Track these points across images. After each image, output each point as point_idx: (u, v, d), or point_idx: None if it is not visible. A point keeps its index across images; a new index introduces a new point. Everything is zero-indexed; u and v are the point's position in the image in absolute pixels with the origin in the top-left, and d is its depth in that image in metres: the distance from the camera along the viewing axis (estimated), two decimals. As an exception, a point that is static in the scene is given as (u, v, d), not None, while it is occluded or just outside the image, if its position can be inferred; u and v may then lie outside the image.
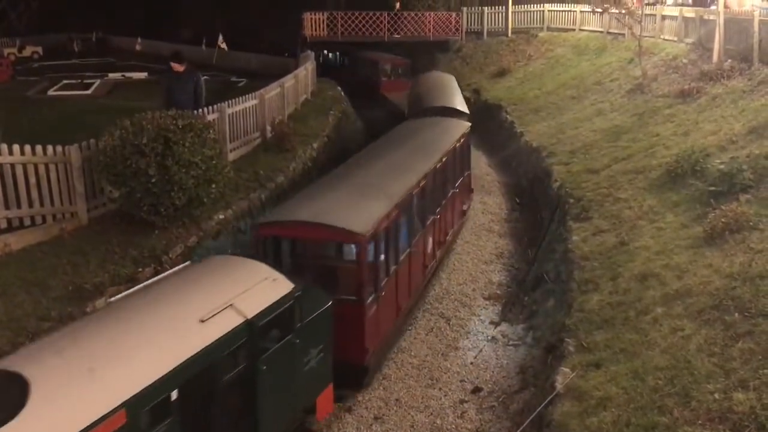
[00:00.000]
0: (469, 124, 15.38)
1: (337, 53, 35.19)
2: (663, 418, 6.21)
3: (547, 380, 7.96)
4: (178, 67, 12.26)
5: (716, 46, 16.99)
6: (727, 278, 8.01)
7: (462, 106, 17.46)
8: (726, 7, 17.69)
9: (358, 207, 9.03)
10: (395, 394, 9.05)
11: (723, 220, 9.13)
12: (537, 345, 9.70)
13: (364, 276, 8.39)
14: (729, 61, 16.42)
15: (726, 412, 6.02)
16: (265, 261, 7.29)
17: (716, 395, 6.25)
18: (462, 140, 14.27)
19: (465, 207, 15.01)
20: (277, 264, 7.87)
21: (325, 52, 35.31)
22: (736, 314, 7.28)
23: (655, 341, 7.46)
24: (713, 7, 19.95)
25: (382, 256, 9.15)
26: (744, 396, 6.09)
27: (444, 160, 12.45)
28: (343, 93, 23.62)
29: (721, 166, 10.75)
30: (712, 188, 10.41)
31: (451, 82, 20.89)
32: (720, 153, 11.74)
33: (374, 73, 29.03)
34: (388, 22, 30.23)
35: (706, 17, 19.06)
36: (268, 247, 8.64)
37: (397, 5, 31.40)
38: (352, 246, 8.66)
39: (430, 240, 11.70)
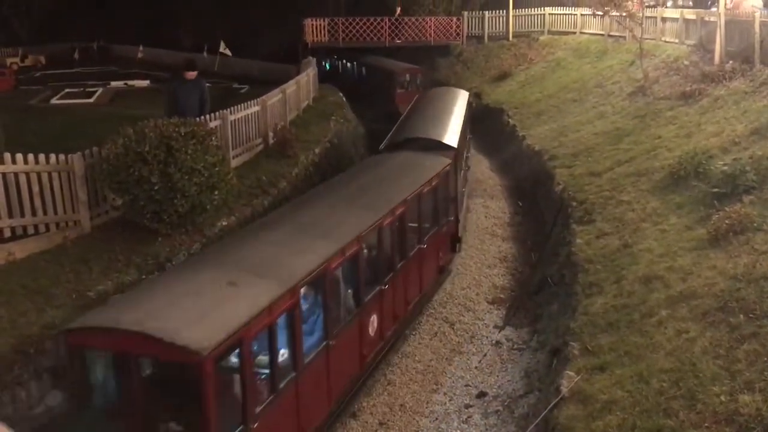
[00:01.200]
0: (449, 161, 12.26)
1: (344, 60, 34.11)
2: (669, 421, 6.19)
3: (552, 384, 7.94)
4: (192, 75, 12.42)
5: (717, 48, 16.98)
6: (731, 280, 7.99)
7: (452, 137, 13.49)
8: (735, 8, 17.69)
9: (221, 302, 6.33)
10: (400, 399, 9.03)
11: (727, 221, 9.11)
12: (542, 349, 9.68)
13: (210, 410, 5.74)
14: (730, 62, 16.40)
15: (732, 414, 6.00)
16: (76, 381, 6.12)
17: (722, 397, 6.22)
18: (437, 182, 11.43)
19: (442, 263, 12.29)
20: (89, 389, 6.32)
21: (335, 58, 34.67)
22: (741, 316, 7.26)
23: (660, 344, 7.44)
24: (714, 9, 19.94)
25: (260, 370, 6.68)
26: (750, 398, 6.07)
27: (399, 212, 9.79)
28: (344, 98, 23.59)
29: (724, 168, 10.73)
30: (715, 190, 10.39)
31: (456, 102, 17.21)
32: (722, 154, 11.72)
33: (388, 83, 27.52)
34: (389, 28, 30.29)
35: (707, 19, 19.05)
36: (82, 361, 6.32)
37: (398, 11, 31.45)
38: (191, 367, 5.76)
39: (375, 319, 9.10)
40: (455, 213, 13.05)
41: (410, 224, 10.34)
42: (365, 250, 8.83)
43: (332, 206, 9.19)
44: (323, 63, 33.46)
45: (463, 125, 15.03)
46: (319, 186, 11.10)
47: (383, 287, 9.30)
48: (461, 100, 17.63)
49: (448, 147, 12.95)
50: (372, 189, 10.21)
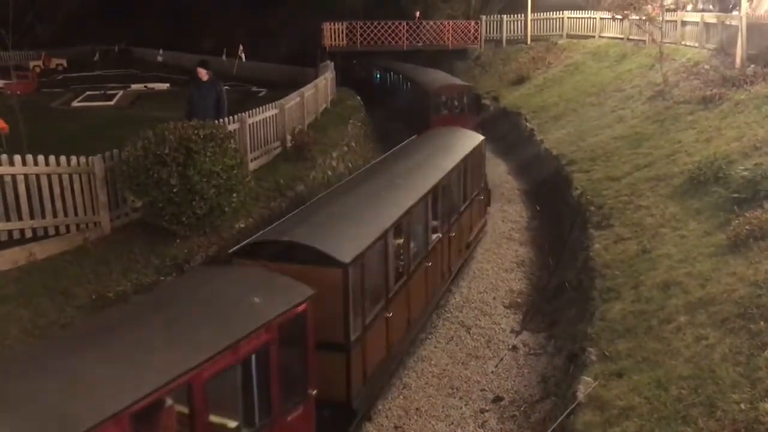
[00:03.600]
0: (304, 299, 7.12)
1: (372, 68, 30.91)
2: (687, 429, 6.13)
3: (568, 389, 7.89)
4: (203, 74, 12.48)
5: (739, 52, 16.81)
6: (751, 286, 7.89)
7: (356, 246, 7.99)
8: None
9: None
10: (415, 403, 9.03)
11: (747, 227, 9.01)
12: (558, 354, 9.63)
13: None
14: (752, 66, 16.23)
15: (752, 422, 5.92)
16: None
17: (742, 405, 6.15)
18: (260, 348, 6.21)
19: None
20: None
21: (354, 63, 32.13)
22: (762, 323, 7.17)
23: (678, 350, 7.37)
24: (735, 13, 19.75)
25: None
26: (770, 406, 5.99)
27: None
28: (361, 102, 23.62)
29: (745, 173, 10.61)
30: (736, 195, 10.28)
31: (451, 157, 12.41)
32: (743, 159, 11.59)
33: (422, 104, 21.92)
34: (407, 31, 30.31)
35: (727, 22, 18.88)
36: None
37: (418, 14, 31.46)
38: None
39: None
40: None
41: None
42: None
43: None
44: (375, 74, 30.49)
45: (431, 216, 10.96)
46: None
47: None
48: (460, 152, 12.90)
49: (338, 262, 7.56)
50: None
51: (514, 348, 10.42)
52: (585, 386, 7.33)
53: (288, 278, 6.88)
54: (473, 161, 13.63)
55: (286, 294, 6.60)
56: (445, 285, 11.88)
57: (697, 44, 20.49)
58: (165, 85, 32.01)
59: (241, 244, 8.07)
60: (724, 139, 13.13)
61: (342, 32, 30.27)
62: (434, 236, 11.07)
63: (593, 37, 28.05)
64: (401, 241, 9.59)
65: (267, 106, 14.52)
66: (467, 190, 13.20)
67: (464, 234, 13.01)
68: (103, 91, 29.15)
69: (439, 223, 11.47)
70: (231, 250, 7.96)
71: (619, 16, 22.26)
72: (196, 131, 9.84)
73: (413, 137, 14.71)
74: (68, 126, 20.01)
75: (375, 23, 30.16)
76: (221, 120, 12.11)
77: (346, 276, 7.50)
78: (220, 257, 9.66)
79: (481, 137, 14.58)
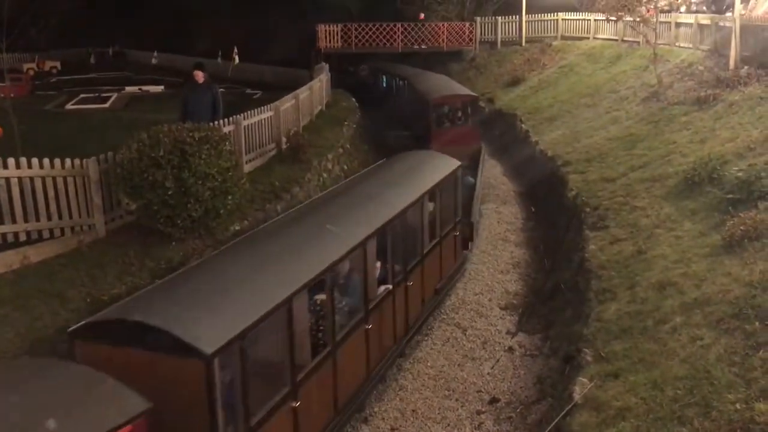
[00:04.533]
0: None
1: (371, 71, 29.30)
2: (683, 429, 6.14)
3: (564, 391, 7.90)
4: (200, 77, 12.49)
5: (732, 53, 16.87)
6: (746, 286, 7.92)
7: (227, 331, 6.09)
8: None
9: None
10: (411, 405, 9.02)
11: (741, 227, 9.04)
12: (554, 355, 9.63)
13: None
14: (746, 67, 16.29)
15: (748, 422, 5.94)
16: None
17: (737, 405, 6.16)
18: None
19: None
20: None
21: (351, 70, 31.25)
22: (757, 323, 7.19)
23: (673, 351, 7.39)
24: (729, 14, 19.82)
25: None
26: (766, 406, 6.00)
27: None
28: (357, 103, 23.61)
29: (739, 174, 10.65)
30: (730, 196, 10.32)
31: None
32: (737, 160, 11.64)
33: (421, 115, 19.67)
34: (402, 33, 30.33)
35: (721, 24, 18.95)
36: None
37: (422, 16, 31.48)
38: None
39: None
40: None
41: None
42: None
43: None
44: (379, 80, 27.95)
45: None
46: None
47: None
48: (423, 184, 10.99)
49: (194, 353, 5.68)
50: None
51: (510, 349, 10.42)
52: (581, 387, 7.34)
53: (119, 385, 5.14)
54: (445, 192, 11.59)
55: (104, 412, 4.93)
56: (400, 346, 9.85)
57: (691, 45, 20.56)
58: (159, 88, 31.97)
59: (82, 323, 6.13)
60: (718, 140, 13.18)
61: (337, 34, 30.26)
62: (381, 289, 9.21)
63: (587, 38, 28.12)
64: (319, 308, 7.89)
65: (262, 108, 14.50)
66: (435, 227, 11.23)
67: (430, 280, 10.97)
68: (97, 94, 29.10)
69: (389, 272, 9.54)
70: (70, 329, 6.05)
71: (613, 18, 22.30)
72: (190, 134, 9.82)
73: (380, 162, 12.97)
74: (62, 129, 19.95)
75: (370, 25, 30.17)
76: (216, 122, 12.09)
77: (210, 370, 5.52)
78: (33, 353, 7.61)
79: (457, 163, 12.30)
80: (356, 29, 30.19)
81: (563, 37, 29.45)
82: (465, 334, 10.92)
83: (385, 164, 12.34)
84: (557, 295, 11.35)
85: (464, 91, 20.96)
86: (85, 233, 9.88)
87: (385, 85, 27.31)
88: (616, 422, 6.55)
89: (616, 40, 25.66)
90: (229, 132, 12.34)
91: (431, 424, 8.62)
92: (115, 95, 28.93)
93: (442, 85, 21.52)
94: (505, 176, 20.09)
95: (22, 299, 8.27)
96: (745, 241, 8.90)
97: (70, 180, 9.78)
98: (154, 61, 42.97)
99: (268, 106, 14.81)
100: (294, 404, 6.78)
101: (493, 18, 31.30)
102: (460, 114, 19.97)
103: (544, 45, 29.41)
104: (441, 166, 12.00)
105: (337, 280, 8.27)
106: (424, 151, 14.01)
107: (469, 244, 13.34)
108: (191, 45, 41.39)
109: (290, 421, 6.79)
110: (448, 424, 8.63)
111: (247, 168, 13.15)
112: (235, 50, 33.46)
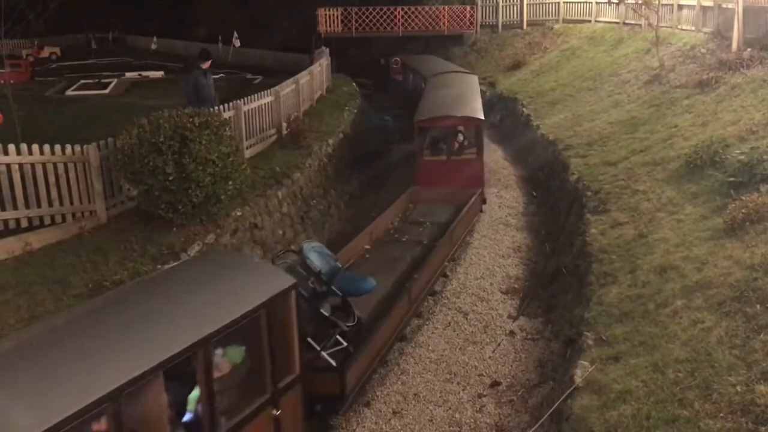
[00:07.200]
0: None
1: (402, 65, 26.53)
2: (684, 411, 6.16)
3: (566, 374, 7.92)
4: (208, 66, 12.60)
5: (735, 35, 16.76)
6: (748, 269, 7.91)
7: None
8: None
9: None
10: (413, 389, 9.06)
11: (743, 210, 9.01)
12: (555, 338, 9.66)
13: None
14: (748, 50, 16.19)
15: (748, 404, 5.95)
16: None
17: (738, 388, 6.18)
18: None
19: None
20: None
21: (383, 63, 29.50)
22: (758, 306, 7.19)
23: (675, 334, 7.40)
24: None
25: None
26: (766, 388, 6.02)
27: None
28: (357, 88, 23.51)
29: (741, 157, 10.61)
30: (732, 179, 10.28)
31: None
32: (739, 143, 11.59)
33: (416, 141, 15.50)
34: (402, 17, 30.17)
35: (724, 6, 18.81)
36: None
37: None
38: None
39: None
40: None
41: None
42: None
43: None
44: (407, 77, 24.97)
45: None
46: None
47: None
48: (216, 319, 5.60)
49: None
50: None
51: (512, 333, 10.44)
52: (582, 370, 7.36)
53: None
54: (269, 324, 6.07)
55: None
56: None
57: (693, 28, 20.43)
58: (159, 73, 31.86)
59: None
60: (720, 123, 13.12)
61: (337, 18, 30.13)
62: None
63: (589, 21, 27.96)
64: None
65: (262, 93, 14.46)
66: (244, 388, 6.09)
67: None
68: (97, 80, 29.01)
69: None
70: None
71: (615, 1, 22.18)
72: (191, 119, 9.81)
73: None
74: (63, 115, 19.92)
75: (370, 9, 30.02)
76: (216, 107, 12.07)
77: None
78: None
79: (292, 281, 6.48)
80: (356, 13, 30.04)
81: (565, 21, 29.28)
82: (466, 318, 10.95)
83: (168, 275, 6.95)
84: (558, 279, 11.36)
85: (468, 111, 15.68)
86: (86, 219, 9.88)
87: (411, 85, 23.51)
88: (617, 405, 6.57)
89: (618, 23, 25.50)
90: (230, 117, 12.31)
91: (433, 408, 8.66)
92: (115, 81, 28.84)
93: (449, 98, 17.01)
94: (506, 160, 20.05)
95: (24, 285, 8.30)
96: (747, 224, 8.88)
97: (70, 166, 9.78)
98: (153, 46, 42.75)
99: (269, 91, 14.77)
100: None
101: (494, 1, 31.11)
102: (462, 139, 15.86)
103: (545, 28, 29.25)
104: (261, 283, 6.33)
105: None
106: (240, 255, 9.12)
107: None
108: (191, 30, 41.20)
109: None
110: (450, 408, 8.67)
111: (247, 153, 13.13)
112: (236, 35, 33.23)
